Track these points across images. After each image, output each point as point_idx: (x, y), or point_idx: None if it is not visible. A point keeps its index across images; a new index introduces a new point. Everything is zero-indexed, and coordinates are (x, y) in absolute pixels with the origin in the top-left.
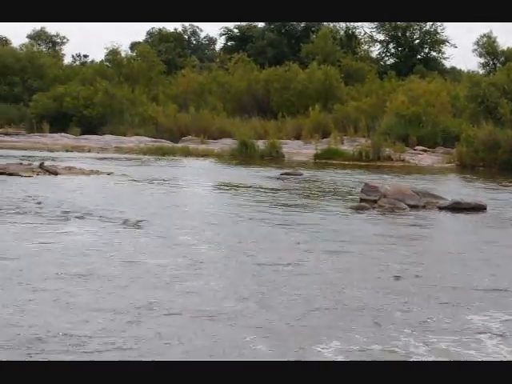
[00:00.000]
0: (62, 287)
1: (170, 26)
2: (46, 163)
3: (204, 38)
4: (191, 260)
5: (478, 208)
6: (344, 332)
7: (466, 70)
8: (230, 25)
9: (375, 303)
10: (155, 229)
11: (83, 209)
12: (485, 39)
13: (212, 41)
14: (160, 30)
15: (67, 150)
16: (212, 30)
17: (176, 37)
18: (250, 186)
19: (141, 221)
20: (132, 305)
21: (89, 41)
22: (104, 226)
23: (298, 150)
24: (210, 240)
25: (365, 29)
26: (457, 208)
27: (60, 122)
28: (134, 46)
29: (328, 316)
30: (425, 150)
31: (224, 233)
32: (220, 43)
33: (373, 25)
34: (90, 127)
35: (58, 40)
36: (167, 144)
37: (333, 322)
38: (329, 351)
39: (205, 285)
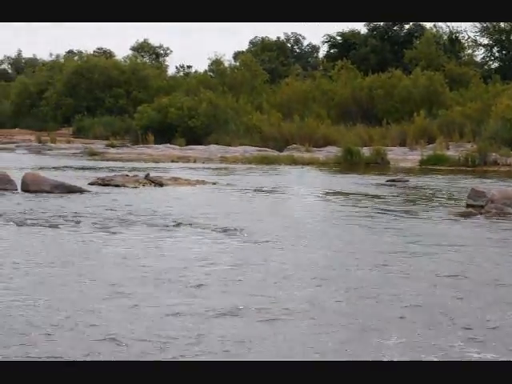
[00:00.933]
0: (154, 291)
1: (273, 35)
2: (152, 174)
3: (307, 45)
4: (286, 264)
5: None
6: (406, 328)
7: None
8: (333, 32)
9: (441, 302)
10: (255, 236)
11: (186, 218)
12: None
13: (315, 49)
14: (263, 38)
15: (173, 161)
16: (315, 38)
17: (279, 45)
18: (355, 193)
19: (243, 229)
20: (222, 309)
21: (192, 52)
22: (205, 235)
23: (403, 156)
24: (307, 246)
25: (468, 33)
26: None
27: (165, 133)
28: (237, 55)
29: (395, 312)
30: None
31: (324, 240)
32: (323, 51)
33: (476, 28)
34: (195, 137)
35: (162, 51)
36: (272, 153)
37: (398, 318)
38: (388, 345)
39: (291, 290)
